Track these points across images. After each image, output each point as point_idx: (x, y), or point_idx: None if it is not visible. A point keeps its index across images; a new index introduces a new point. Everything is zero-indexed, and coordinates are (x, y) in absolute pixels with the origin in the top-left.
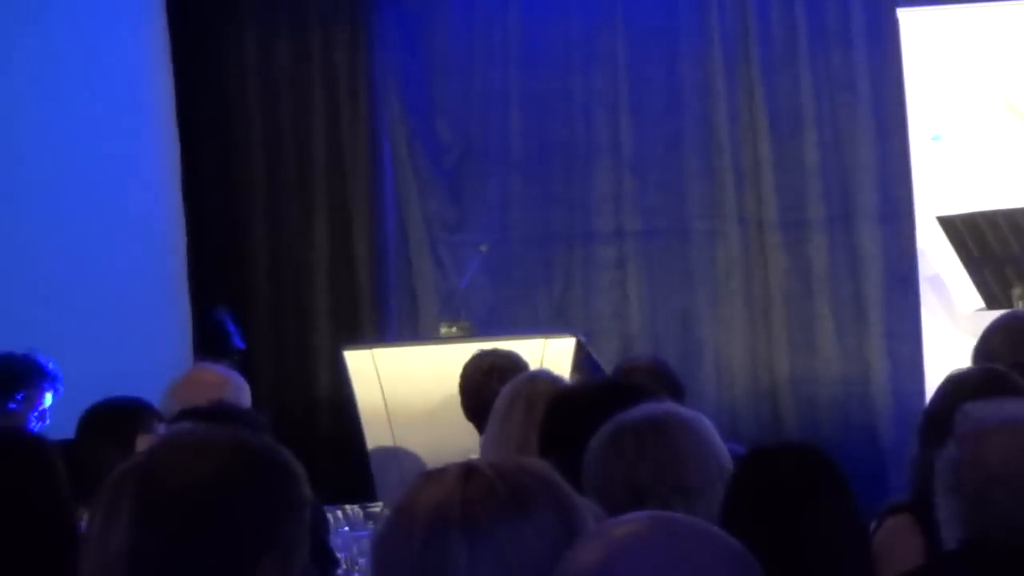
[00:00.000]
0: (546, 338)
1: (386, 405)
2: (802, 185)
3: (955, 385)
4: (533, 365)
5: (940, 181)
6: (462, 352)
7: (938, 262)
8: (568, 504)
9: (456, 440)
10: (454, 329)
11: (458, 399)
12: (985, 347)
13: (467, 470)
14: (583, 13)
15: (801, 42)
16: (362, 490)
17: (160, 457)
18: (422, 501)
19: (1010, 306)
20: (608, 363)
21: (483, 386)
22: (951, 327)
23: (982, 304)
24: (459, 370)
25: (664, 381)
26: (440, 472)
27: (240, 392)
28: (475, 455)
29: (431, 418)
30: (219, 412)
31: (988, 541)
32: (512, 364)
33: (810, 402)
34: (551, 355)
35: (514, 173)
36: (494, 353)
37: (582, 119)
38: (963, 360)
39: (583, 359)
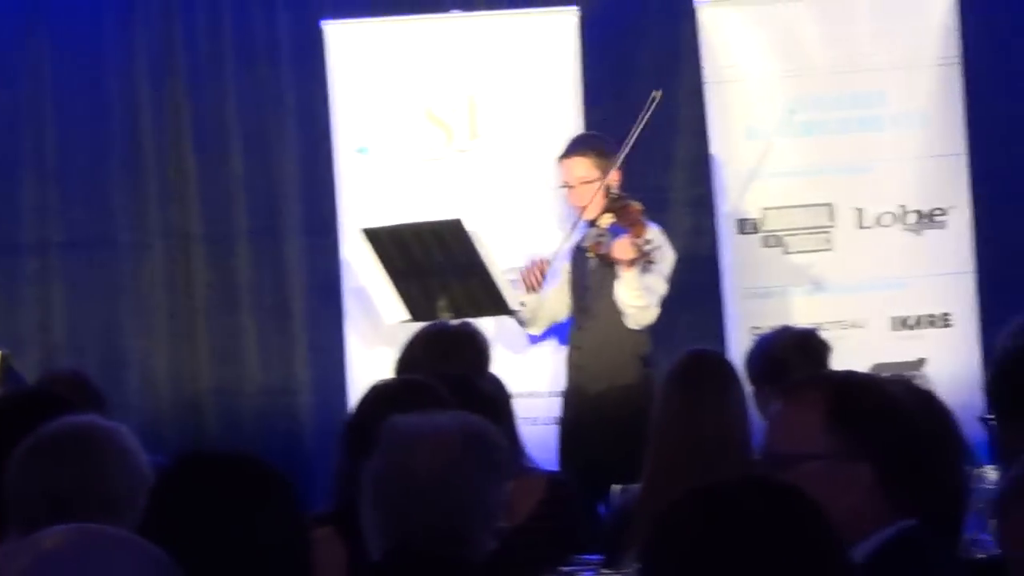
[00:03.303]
0: None
1: None
2: (228, 198)
3: (377, 395)
4: None
5: (367, 193)
6: None
7: (363, 274)
8: None
9: None
10: None
11: None
12: (408, 357)
13: None
14: (5, 19)
15: (227, 54)
16: None
17: None
18: None
19: (435, 317)
20: (32, 376)
21: None
22: (376, 338)
23: (407, 315)
24: None
25: (85, 393)
26: None
27: None
28: None
29: None
30: None
31: (409, 550)
32: None
33: (234, 412)
34: None
35: None
36: None
37: (6, 129)
38: (387, 371)
39: (7, 373)
